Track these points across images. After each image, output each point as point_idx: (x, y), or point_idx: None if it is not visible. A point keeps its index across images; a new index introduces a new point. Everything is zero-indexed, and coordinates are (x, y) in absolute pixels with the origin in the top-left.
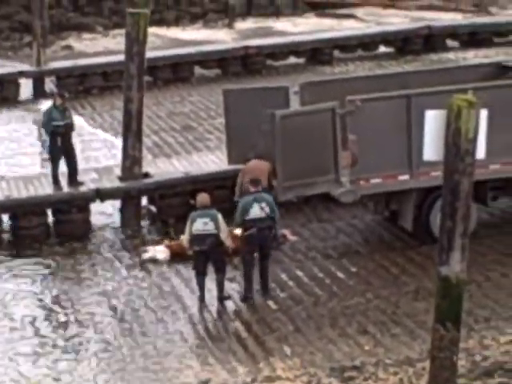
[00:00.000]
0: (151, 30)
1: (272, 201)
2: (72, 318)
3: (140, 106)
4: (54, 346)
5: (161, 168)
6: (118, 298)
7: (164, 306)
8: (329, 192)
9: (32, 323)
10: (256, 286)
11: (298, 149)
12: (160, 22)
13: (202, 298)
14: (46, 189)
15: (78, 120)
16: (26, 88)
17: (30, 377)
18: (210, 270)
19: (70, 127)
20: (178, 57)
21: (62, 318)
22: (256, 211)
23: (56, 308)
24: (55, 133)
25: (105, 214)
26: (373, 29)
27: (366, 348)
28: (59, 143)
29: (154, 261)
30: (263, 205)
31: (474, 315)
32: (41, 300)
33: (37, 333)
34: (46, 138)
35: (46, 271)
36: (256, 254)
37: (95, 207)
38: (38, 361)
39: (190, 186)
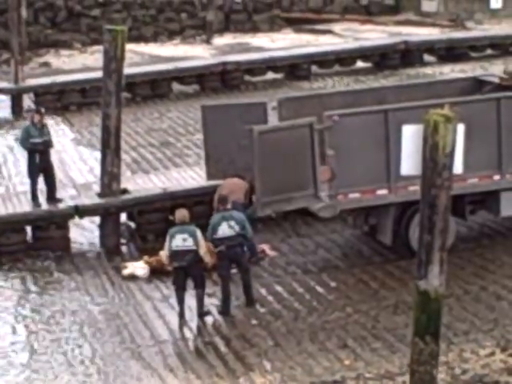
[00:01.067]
0: (129, 46)
1: (242, 218)
2: (47, 335)
3: (118, 123)
4: (22, 364)
5: (139, 184)
6: (96, 313)
7: (143, 321)
8: (308, 207)
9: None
10: (237, 301)
11: (277, 164)
12: (138, 39)
13: (181, 314)
14: (25, 206)
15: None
16: (3, 105)
17: None
18: (190, 285)
19: (48, 144)
20: (156, 73)
21: (36, 337)
22: (224, 230)
23: (31, 325)
24: (33, 150)
25: (84, 230)
26: (350, 44)
27: (346, 362)
28: (37, 160)
29: (133, 277)
30: (232, 223)
31: (454, 329)
32: (17, 316)
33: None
34: None
35: (25, 287)
36: (235, 271)
37: (74, 224)
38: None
39: (168, 202)
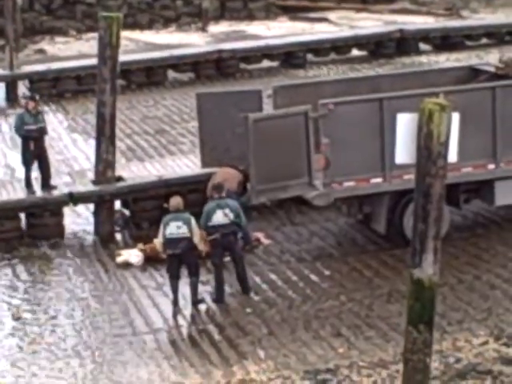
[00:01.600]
0: (124, 33)
1: (237, 206)
2: (41, 321)
3: (113, 110)
4: (19, 347)
5: (134, 172)
6: (90, 301)
7: (137, 309)
8: (302, 195)
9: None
10: (231, 289)
11: (272, 152)
12: (133, 26)
13: (175, 302)
14: (19, 193)
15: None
16: None
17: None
18: (184, 273)
19: (42, 131)
20: (152, 60)
21: (31, 324)
22: (219, 217)
23: (26, 314)
24: (28, 137)
25: (78, 217)
26: (346, 32)
27: (340, 351)
28: (32, 147)
29: (127, 264)
30: (227, 211)
31: (447, 317)
32: (8, 303)
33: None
34: None
35: (17, 275)
36: (228, 259)
37: (68, 211)
38: None
39: (163, 190)
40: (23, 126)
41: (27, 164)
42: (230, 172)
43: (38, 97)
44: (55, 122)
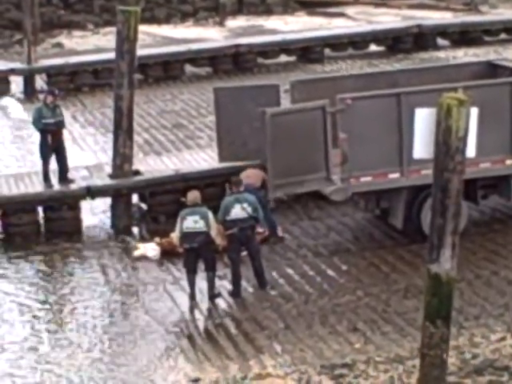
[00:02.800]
0: (142, 27)
1: (255, 200)
2: (59, 315)
3: (131, 104)
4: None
5: (151, 166)
6: (107, 295)
7: (154, 303)
8: (319, 190)
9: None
10: (248, 284)
11: (289, 147)
12: (151, 20)
13: (192, 296)
14: (37, 186)
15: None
16: (16, 85)
17: None
18: (201, 267)
19: (60, 125)
20: (169, 55)
21: (49, 316)
22: (237, 211)
23: (42, 308)
24: (45, 130)
25: (96, 211)
26: (363, 27)
27: (357, 346)
28: (49, 141)
29: (144, 258)
30: (245, 205)
31: (464, 313)
32: (25, 297)
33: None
34: None
35: (35, 268)
36: (245, 253)
37: (86, 204)
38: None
39: (180, 184)
40: (41, 119)
41: (45, 157)
42: (254, 171)
43: (57, 91)
44: (73, 115)
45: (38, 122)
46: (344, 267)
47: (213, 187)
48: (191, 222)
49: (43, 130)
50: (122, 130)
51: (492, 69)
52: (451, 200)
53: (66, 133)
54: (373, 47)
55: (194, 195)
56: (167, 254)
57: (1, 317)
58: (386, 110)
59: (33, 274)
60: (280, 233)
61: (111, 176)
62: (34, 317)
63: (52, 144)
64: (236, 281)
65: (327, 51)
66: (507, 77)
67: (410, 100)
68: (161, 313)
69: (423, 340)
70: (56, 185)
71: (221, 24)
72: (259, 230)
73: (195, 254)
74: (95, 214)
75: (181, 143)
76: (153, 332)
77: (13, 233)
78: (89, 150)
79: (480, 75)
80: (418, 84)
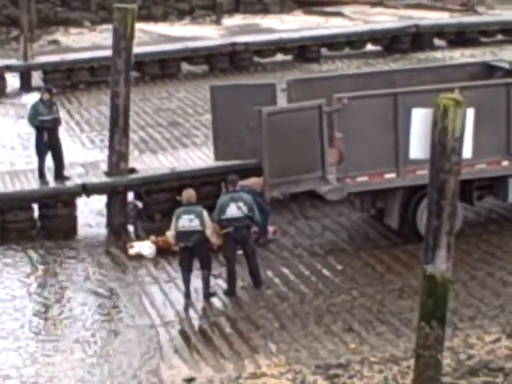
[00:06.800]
0: (139, 25)
1: (251, 200)
2: (54, 312)
3: (127, 102)
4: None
5: (147, 164)
6: (101, 292)
7: (149, 301)
8: (315, 189)
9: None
10: (243, 283)
11: (285, 146)
12: (147, 18)
13: (187, 295)
14: (32, 183)
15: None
16: (12, 82)
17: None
18: (196, 266)
19: (56, 122)
20: (166, 53)
21: (40, 315)
22: (232, 210)
23: (37, 305)
24: (41, 127)
25: (91, 208)
26: (360, 27)
27: (352, 346)
28: (46, 138)
29: (139, 256)
30: (240, 204)
31: (459, 314)
32: (20, 294)
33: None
34: None
35: (30, 265)
36: (241, 252)
37: (81, 202)
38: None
39: (176, 182)
40: (37, 116)
41: (41, 154)
42: (257, 178)
43: (54, 89)
44: (68, 112)
45: (33, 118)
46: (339, 267)
47: (208, 186)
48: (186, 221)
49: (39, 127)
50: (118, 128)
51: (488, 70)
52: (447, 201)
53: (61, 130)
54: (369, 47)
55: (189, 194)
56: (162, 253)
57: None
58: (382, 109)
59: (28, 270)
60: (270, 235)
61: (107, 174)
62: (30, 320)
63: (48, 141)
64: (231, 280)
65: (324, 50)
66: (503, 78)
67: (407, 100)
68: (155, 311)
69: (418, 341)
70: (51, 182)
71: (217, 22)
72: (254, 229)
73: (190, 253)
74: (90, 212)
75: (177, 141)
76: (147, 331)
77: (8, 229)
78: (84, 148)
79: (476, 76)
80: (415, 84)
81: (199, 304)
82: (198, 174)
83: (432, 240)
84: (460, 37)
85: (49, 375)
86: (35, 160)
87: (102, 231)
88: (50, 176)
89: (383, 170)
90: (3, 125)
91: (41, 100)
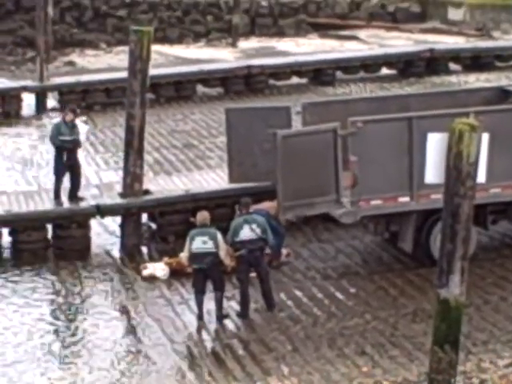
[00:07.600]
0: (154, 47)
1: (264, 222)
2: (69, 333)
3: (142, 123)
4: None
5: (161, 185)
6: (115, 315)
7: (162, 323)
8: (329, 212)
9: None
10: (256, 305)
11: (300, 169)
12: (163, 40)
13: (200, 316)
14: (47, 204)
15: None
16: (28, 103)
17: None
18: (209, 288)
19: (76, 143)
20: (181, 75)
21: (58, 335)
22: (246, 233)
23: (50, 326)
24: (62, 148)
25: (105, 229)
26: (375, 51)
27: (364, 369)
28: (65, 158)
29: (153, 278)
30: (254, 226)
31: (473, 338)
32: (39, 314)
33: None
34: None
35: (43, 284)
36: (254, 274)
37: (95, 223)
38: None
39: (190, 204)
40: (59, 136)
41: (58, 175)
42: (271, 203)
43: (78, 110)
44: (84, 133)
45: (55, 138)
46: (352, 290)
47: (222, 208)
48: (200, 243)
49: (59, 147)
50: (133, 149)
51: (503, 94)
52: (461, 225)
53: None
54: (384, 70)
55: (203, 216)
56: (176, 274)
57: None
58: (396, 133)
59: (41, 291)
60: (283, 258)
61: (121, 195)
62: (42, 336)
63: (67, 162)
64: (244, 302)
65: (339, 74)
66: None
67: (422, 124)
68: (168, 333)
69: (431, 365)
70: (66, 202)
71: (233, 45)
72: (268, 251)
73: (204, 275)
74: (104, 233)
75: (191, 163)
76: (160, 352)
77: (22, 250)
78: (99, 169)
79: (491, 101)
80: (430, 108)
81: (212, 326)
82: (212, 195)
83: (446, 264)
84: (475, 61)
85: None
86: (48, 180)
87: (116, 252)
88: (64, 196)
89: (397, 193)
90: (19, 145)
91: (63, 120)
